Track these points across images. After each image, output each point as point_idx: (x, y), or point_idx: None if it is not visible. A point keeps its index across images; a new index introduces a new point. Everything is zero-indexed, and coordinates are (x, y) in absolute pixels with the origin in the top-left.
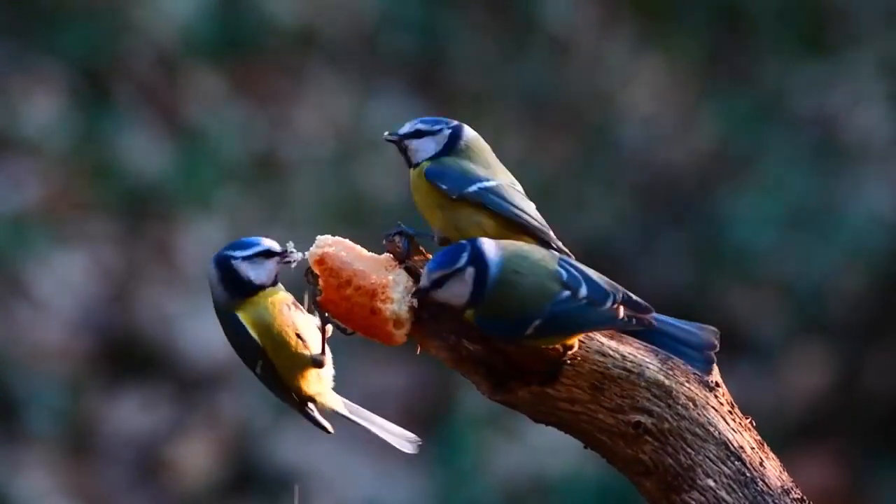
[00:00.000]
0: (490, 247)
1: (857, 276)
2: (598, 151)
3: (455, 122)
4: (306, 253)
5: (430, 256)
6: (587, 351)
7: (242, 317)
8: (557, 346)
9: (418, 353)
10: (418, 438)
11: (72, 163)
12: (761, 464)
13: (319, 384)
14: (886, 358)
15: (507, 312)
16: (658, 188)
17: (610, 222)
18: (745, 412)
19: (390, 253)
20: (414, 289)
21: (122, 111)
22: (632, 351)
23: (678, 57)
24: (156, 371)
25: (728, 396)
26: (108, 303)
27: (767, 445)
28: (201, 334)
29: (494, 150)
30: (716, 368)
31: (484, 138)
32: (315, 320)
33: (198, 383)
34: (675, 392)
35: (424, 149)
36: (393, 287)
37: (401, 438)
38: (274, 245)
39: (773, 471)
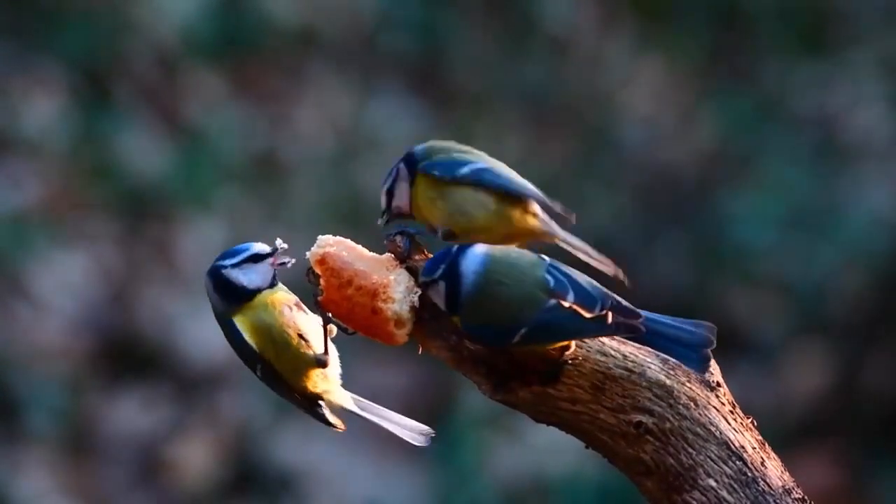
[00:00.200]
0: (472, 258)
1: (857, 276)
2: (598, 151)
3: (399, 159)
4: (307, 253)
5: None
6: (588, 351)
7: (240, 321)
8: (555, 347)
9: (420, 353)
10: (431, 430)
11: (72, 163)
12: (763, 464)
13: (326, 382)
14: (886, 358)
15: (491, 320)
16: (658, 188)
17: (610, 222)
18: (746, 412)
19: (391, 253)
20: (415, 288)
21: (122, 111)
22: (633, 351)
23: (678, 57)
24: (156, 371)
25: (729, 396)
26: (108, 303)
27: (768, 445)
28: (201, 334)
29: (494, 150)
30: (717, 368)
31: (484, 138)
32: (318, 320)
33: (198, 383)
34: (676, 392)
35: (401, 187)
36: (394, 287)
37: (413, 431)
38: (262, 248)
39: (775, 471)
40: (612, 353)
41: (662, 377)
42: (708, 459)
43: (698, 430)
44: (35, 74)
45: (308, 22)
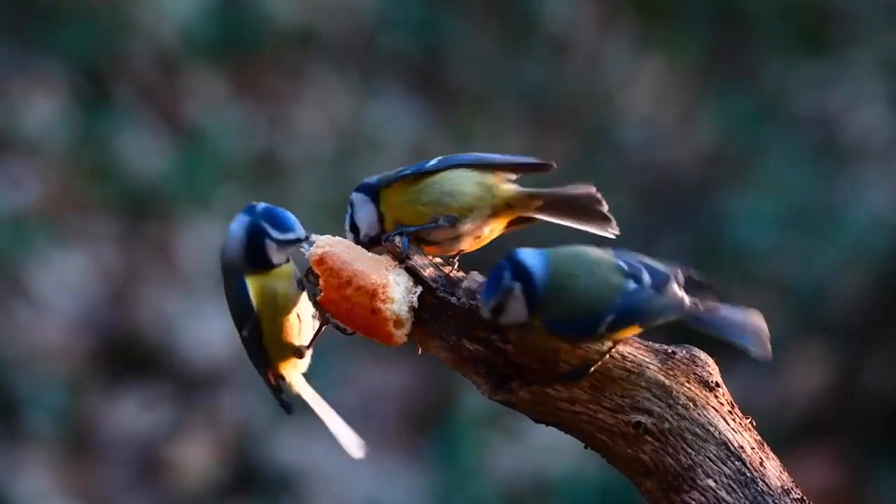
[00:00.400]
0: (531, 256)
1: (857, 276)
2: (597, 151)
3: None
4: (306, 253)
5: (432, 257)
6: (587, 351)
7: (250, 282)
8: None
9: (419, 353)
10: (364, 444)
11: (72, 163)
12: (761, 464)
13: (294, 367)
14: (886, 358)
15: (575, 312)
16: (658, 188)
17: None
18: (745, 412)
19: (390, 253)
20: (415, 288)
21: (122, 111)
22: (632, 351)
23: (678, 57)
24: (156, 371)
25: (728, 396)
26: (108, 303)
27: (767, 445)
28: (201, 334)
29: (494, 150)
30: (716, 368)
31: (484, 138)
32: (311, 309)
33: (198, 383)
34: (675, 392)
35: (363, 212)
36: (393, 287)
37: (348, 441)
38: (302, 232)
39: (774, 471)
40: (612, 353)
41: (661, 377)
42: (707, 460)
43: (697, 430)
44: (35, 74)
45: (308, 22)
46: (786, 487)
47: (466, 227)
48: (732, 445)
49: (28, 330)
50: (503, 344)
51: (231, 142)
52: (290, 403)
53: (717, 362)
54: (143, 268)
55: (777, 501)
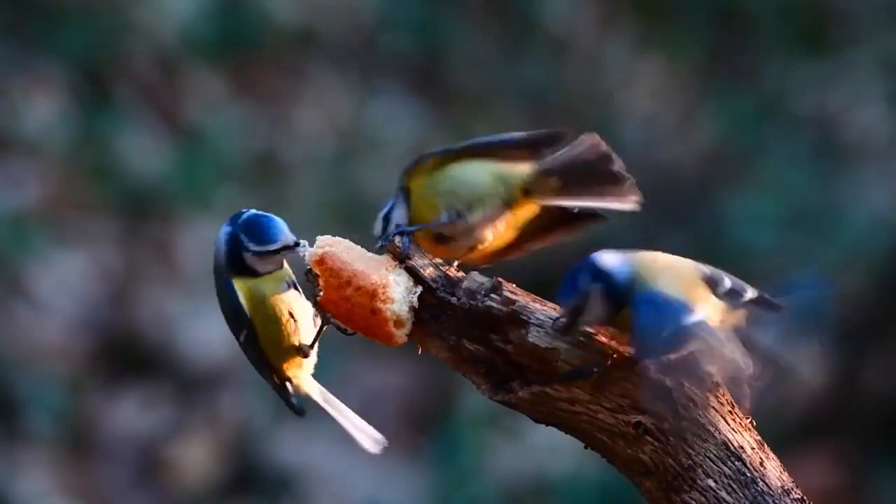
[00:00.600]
0: (605, 259)
1: (857, 277)
2: None
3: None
4: (306, 253)
5: (432, 257)
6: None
7: (238, 285)
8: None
9: (420, 353)
10: (384, 439)
11: (72, 163)
12: (761, 464)
13: (299, 367)
14: (886, 358)
15: (665, 295)
16: (658, 188)
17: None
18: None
19: (390, 253)
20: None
21: (122, 111)
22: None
23: (678, 57)
24: (156, 371)
25: (728, 397)
26: (108, 303)
27: (767, 445)
28: (201, 334)
29: None
30: None
31: None
32: (311, 309)
33: (198, 383)
34: (675, 392)
35: (399, 212)
36: (393, 287)
37: (367, 436)
38: (289, 241)
39: (774, 471)
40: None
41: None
42: (707, 460)
43: (697, 430)
44: (35, 74)
45: (308, 22)
46: (786, 487)
47: (476, 218)
48: (732, 445)
49: (28, 330)
50: (503, 344)
51: (231, 142)
52: (301, 407)
53: None
54: (143, 268)
55: (777, 501)
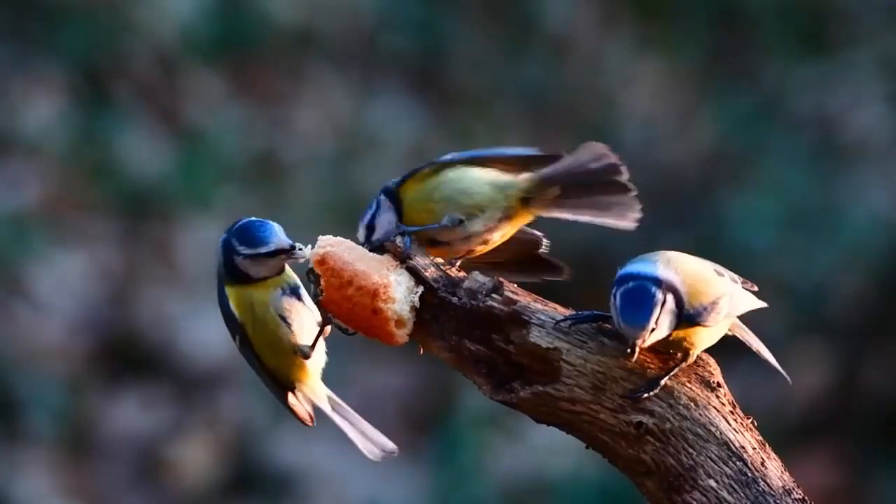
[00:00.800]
0: (665, 269)
1: (857, 276)
2: None
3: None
4: (307, 253)
5: (433, 257)
6: (589, 351)
7: (229, 291)
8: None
9: (421, 353)
10: (396, 449)
11: (72, 163)
12: (763, 464)
13: (303, 373)
14: (886, 358)
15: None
16: (658, 188)
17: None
18: (746, 412)
19: (392, 253)
20: (416, 288)
21: (122, 111)
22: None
23: (678, 57)
24: (156, 371)
25: (730, 397)
26: (108, 303)
27: (768, 445)
28: (201, 334)
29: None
30: (717, 369)
31: (484, 138)
32: (314, 311)
33: (198, 383)
34: (676, 392)
35: (384, 218)
36: (395, 287)
37: (378, 446)
38: (282, 244)
39: (775, 471)
40: (612, 352)
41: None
42: (708, 460)
43: (699, 430)
44: (35, 74)
45: (308, 22)
46: (787, 487)
47: (476, 227)
48: (734, 445)
49: (28, 330)
50: (504, 344)
51: (231, 142)
52: (308, 416)
53: (718, 363)
54: (143, 268)
55: (779, 501)
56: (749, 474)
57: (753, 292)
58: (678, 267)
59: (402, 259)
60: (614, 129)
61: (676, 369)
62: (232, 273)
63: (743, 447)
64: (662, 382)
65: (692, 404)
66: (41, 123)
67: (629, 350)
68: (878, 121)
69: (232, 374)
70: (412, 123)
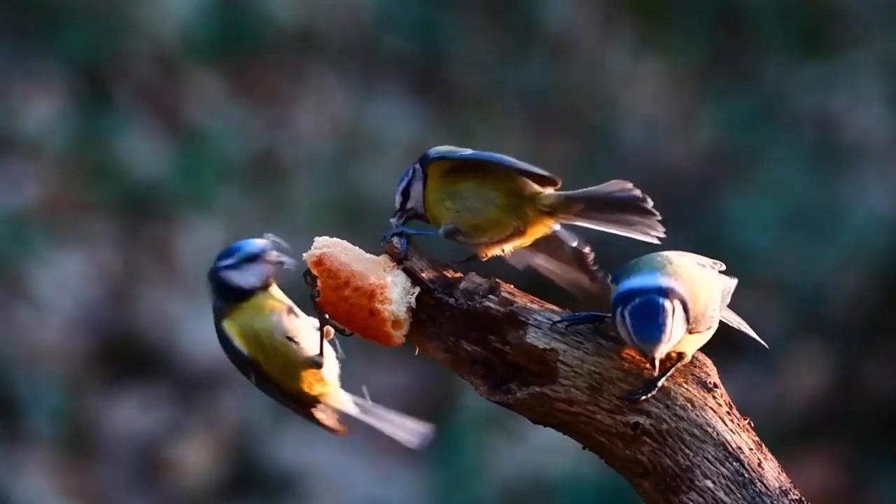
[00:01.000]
0: (666, 278)
1: (857, 276)
2: (598, 152)
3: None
4: (304, 254)
5: (431, 257)
6: (586, 352)
7: (229, 326)
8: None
9: (416, 353)
10: (429, 431)
11: (72, 163)
12: (760, 465)
13: (323, 384)
14: (886, 358)
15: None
16: (658, 188)
17: None
18: (745, 412)
19: (388, 254)
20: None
21: (122, 111)
22: (629, 351)
23: (678, 57)
24: (156, 371)
25: (726, 397)
26: (108, 303)
27: (766, 446)
28: (201, 334)
29: (495, 151)
30: (714, 369)
31: (484, 139)
32: (312, 322)
33: (198, 383)
34: (673, 393)
35: (415, 190)
36: (391, 288)
37: (412, 433)
38: (255, 246)
39: (772, 472)
40: (608, 353)
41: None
42: (705, 460)
43: (695, 431)
44: (35, 74)
45: (308, 22)
46: (784, 488)
47: (482, 240)
48: (731, 446)
49: (28, 330)
50: (501, 345)
51: (231, 142)
52: (336, 425)
53: (715, 363)
54: (143, 268)
55: (775, 502)
56: (746, 475)
57: (722, 272)
58: (676, 272)
59: (399, 260)
60: (615, 130)
61: (673, 370)
62: (223, 293)
63: (740, 448)
64: (660, 384)
65: (689, 405)
66: (41, 124)
67: (650, 365)
68: (878, 121)
69: (232, 374)
70: (412, 124)
